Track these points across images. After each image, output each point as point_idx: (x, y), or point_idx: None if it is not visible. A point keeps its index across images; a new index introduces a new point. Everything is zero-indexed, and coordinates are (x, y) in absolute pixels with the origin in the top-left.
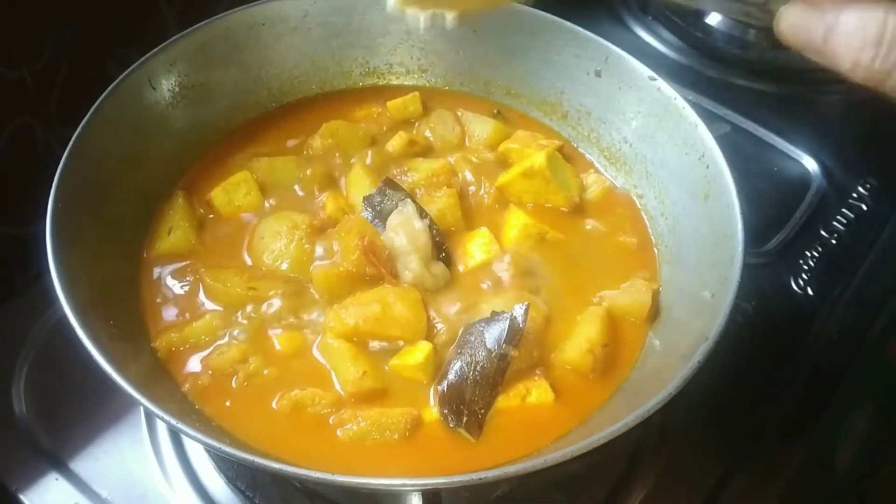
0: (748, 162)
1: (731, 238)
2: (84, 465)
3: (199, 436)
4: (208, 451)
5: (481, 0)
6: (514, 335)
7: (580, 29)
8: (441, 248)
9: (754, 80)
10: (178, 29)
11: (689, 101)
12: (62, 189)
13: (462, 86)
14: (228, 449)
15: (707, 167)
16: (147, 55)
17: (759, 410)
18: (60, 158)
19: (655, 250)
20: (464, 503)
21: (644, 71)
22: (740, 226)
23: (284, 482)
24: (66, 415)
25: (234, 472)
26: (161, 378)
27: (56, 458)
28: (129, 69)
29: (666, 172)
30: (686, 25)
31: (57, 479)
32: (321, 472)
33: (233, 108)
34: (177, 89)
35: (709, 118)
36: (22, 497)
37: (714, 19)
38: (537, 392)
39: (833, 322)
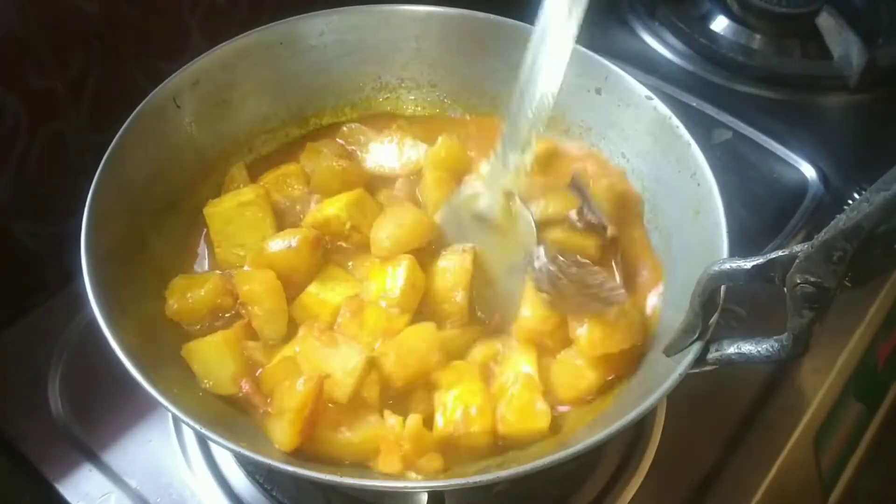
0: (748, 168)
1: (717, 255)
2: (115, 456)
3: (225, 442)
4: None
5: None
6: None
7: (583, 49)
8: None
9: (757, 87)
10: (200, 36)
11: (692, 107)
12: (96, 207)
13: (470, 99)
14: (248, 453)
15: (698, 185)
16: (172, 76)
17: (749, 407)
18: (90, 162)
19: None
20: (467, 497)
21: (641, 90)
22: (725, 244)
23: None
24: (98, 410)
25: (253, 466)
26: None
27: (89, 450)
28: (154, 90)
29: (660, 188)
30: (691, 31)
31: (90, 470)
32: (330, 475)
33: (253, 124)
34: (200, 107)
35: (711, 124)
36: (58, 486)
37: (720, 25)
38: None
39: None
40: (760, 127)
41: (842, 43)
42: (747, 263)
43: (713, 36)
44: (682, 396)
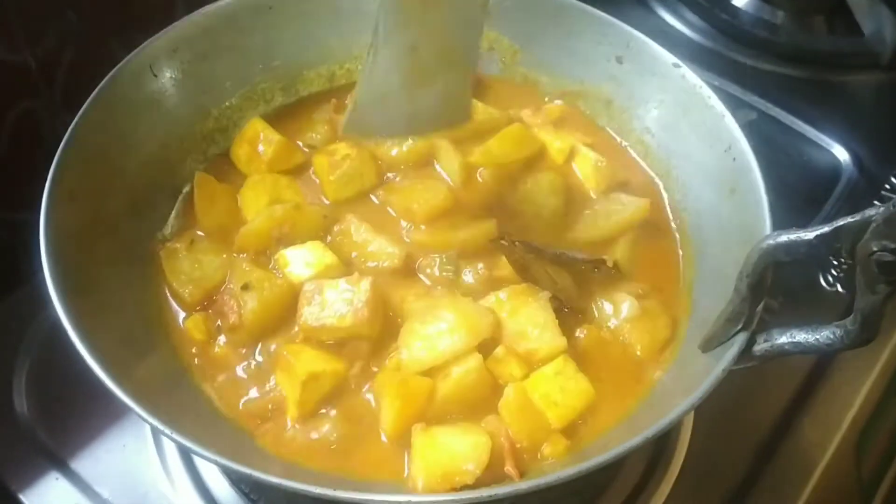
0: (776, 151)
1: (758, 236)
2: (85, 464)
3: (209, 453)
4: None
5: (434, 124)
6: None
7: (601, 13)
8: None
9: (783, 65)
10: (185, 10)
11: (714, 87)
12: (58, 183)
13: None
14: (236, 465)
15: (734, 160)
16: (147, 41)
17: (783, 412)
18: None
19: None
20: None
21: (668, 58)
22: (768, 223)
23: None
24: (67, 412)
25: (238, 476)
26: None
27: (57, 458)
28: (128, 56)
29: (690, 164)
30: (712, 7)
31: (57, 479)
32: (324, 489)
33: (238, 94)
34: (179, 77)
35: (735, 104)
36: (21, 497)
37: (741, 1)
38: None
39: None
40: (788, 107)
41: (873, 18)
42: (809, 234)
43: (735, 11)
44: (712, 398)
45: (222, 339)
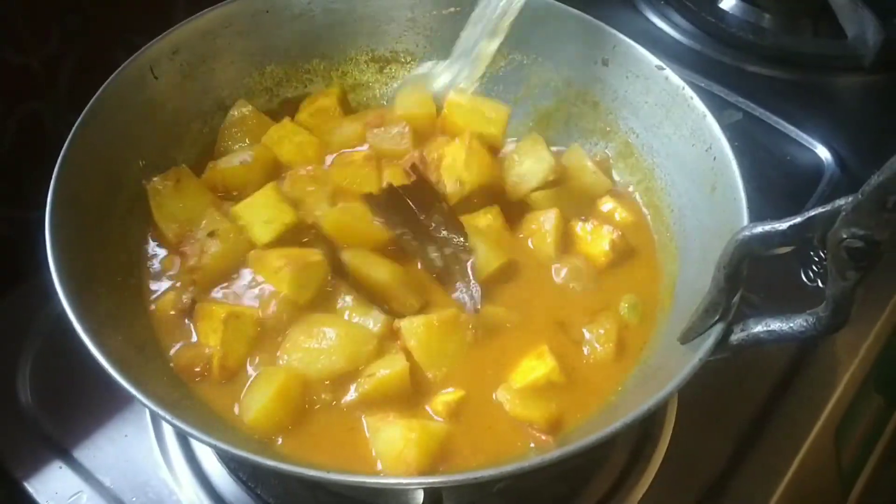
0: (760, 150)
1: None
2: (87, 453)
3: (208, 438)
4: None
5: None
6: None
7: (587, 17)
8: None
9: (768, 67)
10: (186, 14)
11: (700, 88)
12: (62, 181)
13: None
14: (226, 446)
15: (714, 159)
16: (148, 44)
17: (764, 402)
18: None
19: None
20: (465, 494)
21: (651, 60)
22: (746, 219)
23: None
24: (70, 403)
25: (236, 463)
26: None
27: (60, 447)
28: (130, 58)
29: (672, 164)
30: (699, 10)
31: (60, 468)
32: (319, 472)
33: (236, 95)
34: (179, 78)
35: (721, 105)
36: (26, 484)
37: (728, 3)
38: None
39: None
40: (772, 108)
41: (856, 21)
42: (782, 224)
43: (721, 14)
44: (694, 389)
45: None
